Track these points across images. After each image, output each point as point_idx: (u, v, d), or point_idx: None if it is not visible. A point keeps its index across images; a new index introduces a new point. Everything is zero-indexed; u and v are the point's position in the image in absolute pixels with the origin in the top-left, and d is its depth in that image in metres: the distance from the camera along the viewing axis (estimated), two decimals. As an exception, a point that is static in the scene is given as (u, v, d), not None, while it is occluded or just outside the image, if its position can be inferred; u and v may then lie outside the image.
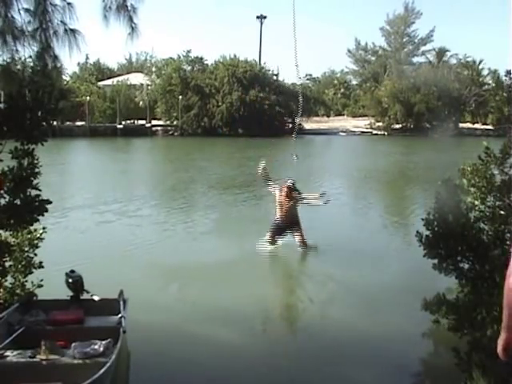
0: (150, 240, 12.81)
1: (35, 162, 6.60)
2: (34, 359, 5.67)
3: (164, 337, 7.39)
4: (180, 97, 49.36)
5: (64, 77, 42.38)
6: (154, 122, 51.20)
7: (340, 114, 70.08)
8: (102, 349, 5.87)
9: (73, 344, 5.90)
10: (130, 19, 5.72)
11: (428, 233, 6.25)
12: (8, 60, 5.60)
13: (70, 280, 7.08)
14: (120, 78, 56.19)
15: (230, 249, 11.81)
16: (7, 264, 7.04)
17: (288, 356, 7.21)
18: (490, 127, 50.76)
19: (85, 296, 7.15)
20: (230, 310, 8.20)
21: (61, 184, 22.06)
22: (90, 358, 5.77)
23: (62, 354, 5.81)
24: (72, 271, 7.20)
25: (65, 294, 7.16)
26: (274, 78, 54.53)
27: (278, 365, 6.93)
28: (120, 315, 6.66)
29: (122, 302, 7.04)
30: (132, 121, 51.52)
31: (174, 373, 6.65)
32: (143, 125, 50.73)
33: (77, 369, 5.58)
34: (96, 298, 7.12)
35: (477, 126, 55.98)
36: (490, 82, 57.20)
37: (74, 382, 5.15)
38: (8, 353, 5.78)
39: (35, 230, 7.37)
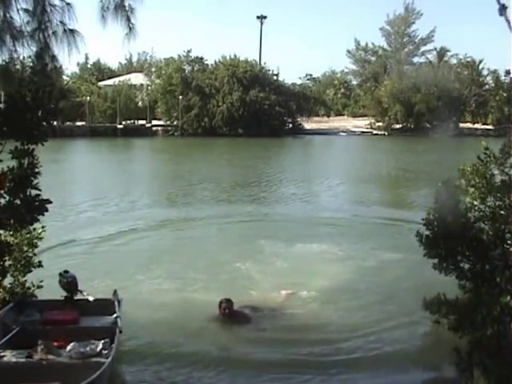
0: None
1: (35, 161, 6.59)
2: (32, 359, 5.65)
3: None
4: (180, 97, 49.33)
5: (64, 77, 42.45)
6: (154, 122, 51.19)
7: (340, 114, 70.03)
8: (98, 349, 5.85)
9: (70, 344, 5.89)
10: (128, 19, 5.70)
11: (428, 233, 6.24)
12: (7, 60, 5.59)
13: (64, 280, 7.04)
14: (121, 78, 56.20)
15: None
16: (7, 263, 7.03)
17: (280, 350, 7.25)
18: (490, 127, 50.69)
19: (79, 296, 7.12)
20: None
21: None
22: (88, 358, 5.75)
23: (58, 355, 5.79)
24: (66, 271, 7.14)
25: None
26: (274, 78, 54.52)
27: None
28: (115, 315, 6.64)
29: (116, 302, 7.01)
30: (132, 121, 51.50)
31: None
32: (143, 125, 50.71)
33: (75, 369, 5.57)
34: (90, 298, 7.09)
35: (477, 125, 55.92)
36: (491, 81, 57.14)
37: (72, 382, 5.14)
38: (4, 353, 5.76)
39: (34, 230, 7.36)
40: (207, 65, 54.03)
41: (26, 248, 7.33)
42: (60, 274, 7.09)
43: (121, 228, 14.31)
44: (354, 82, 73.90)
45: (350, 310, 8.64)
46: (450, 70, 58.07)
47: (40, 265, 7.41)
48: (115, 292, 7.27)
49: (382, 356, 7.16)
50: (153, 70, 56.58)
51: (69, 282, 7.03)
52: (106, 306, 6.89)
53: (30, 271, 7.39)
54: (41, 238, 7.46)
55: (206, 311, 8.19)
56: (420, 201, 17.91)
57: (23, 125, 6.43)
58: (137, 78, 57.11)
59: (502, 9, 2.45)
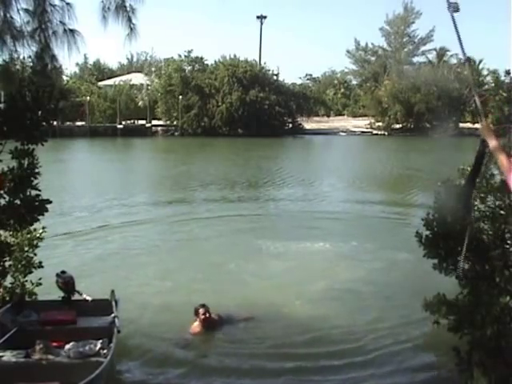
0: None
1: (35, 162, 6.59)
2: (30, 359, 5.66)
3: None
4: (180, 97, 49.35)
5: (64, 77, 42.44)
6: (154, 122, 51.21)
7: (340, 114, 70.09)
8: (97, 348, 5.86)
9: (68, 344, 5.89)
10: (129, 20, 5.70)
11: (428, 233, 6.24)
12: (7, 60, 5.59)
13: (61, 281, 7.03)
14: (122, 78, 56.20)
15: None
16: (7, 264, 7.03)
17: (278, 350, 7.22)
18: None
19: (76, 296, 7.11)
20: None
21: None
22: (86, 357, 5.76)
23: (57, 354, 5.79)
24: (63, 272, 7.11)
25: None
26: (274, 78, 54.54)
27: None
28: (113, 315, 6.64)
29: (113, 302, 7.01)
30: (132, 121, 51.52)
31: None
32: (143, 125, 50.73)
33: (73, 368, 5.57)
34: (88, 298, 7.08)
35: (477, 125, 55.80)
36: (491, 81, 57.13)
37: (70, 381, 5.14)
38: (2, 353, 5.76)
39: (35, 230, 7.35)
40: (207, 65, 54.06)
41: (26, 248, 7.32)
42: (57, 275, 7.06)
43: (122, 227, 14.35)
44: (354, 82, 74.10)
45: (349, 310, 8.64)
46: (450, 70, 58.09)
47: (40, 265, 7.40)
48: (112, 292, 7.25)
49: (381, 356, 7.16)
50: (153, 69, 56.58)
51: (66, 283, 7.01)
52: (103, 306, 6.89)
53: (31, 272, 7.38)
54: (41, 239, 7.45)
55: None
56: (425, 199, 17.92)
57: (23, 125, 6.43)
58: (137, 78, 57.11)
59: (467, 61, 2.50)
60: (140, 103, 52.84)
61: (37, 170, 6.57)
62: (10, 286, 7.24)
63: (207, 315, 7.75)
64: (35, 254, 7.42)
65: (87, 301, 7.04)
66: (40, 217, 6.69)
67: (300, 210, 17.03)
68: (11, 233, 7.03)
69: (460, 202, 5.36)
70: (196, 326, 7.76)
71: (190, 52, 52.78)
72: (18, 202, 6.47)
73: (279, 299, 8.98)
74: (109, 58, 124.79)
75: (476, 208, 6.27)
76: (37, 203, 6.54)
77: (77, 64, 66.48)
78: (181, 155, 35.50)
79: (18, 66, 6.23)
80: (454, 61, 61.77)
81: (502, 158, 2.67)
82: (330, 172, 27.25)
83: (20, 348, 5.81)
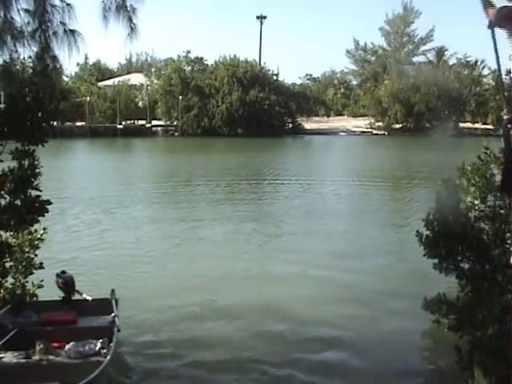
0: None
1: (35, 162, 6.58)
2: (30, 360, 5.65)
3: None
4: (180, 97, 49.36)
5: (64, 77, 42.41)
6: (154, 123, 51.21)
7: (340, 114, 69.99)
8: (97, 348, 5.86)
9: (68, 344, 5.89)
10: (130, 20, 5.71)
11: (428, 232, 6.24)
12: (7, 60, 5.59)
13: (61, 281, 7.02)
14: (121, 79, 56.20)
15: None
16: (8, 264, 7.03)
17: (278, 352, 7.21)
18: (490, 127, 50.64)
19: (77, 296, 7.10)
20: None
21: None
22: (86, 357, 5.75)
23: (57, 355, 5.79)
24: (63, 272, 7.10)
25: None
26: (274, 78, 54.55)
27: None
28: (113, 314, 6.64)
29: (113, 302, 7.01)
30: (132, 121, 51.52)
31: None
32: (143, 125, 50.73)
33: (73, 368, 5.56)
34: (88, 298, 7.07)
35: (477, 125, 55.87)
36: (491, 81, 57.03)
37: (70, 381, 5.13)
38: (2, 354, 5.75)
39: (35, 231, 7.35)
40: (207, 65, 54.07)
41: (27, 249, 7.31)
42: (57, 275, 7.06)
43: (122, 226, 14.35)
44: (354, 82, 73.93)
45: (349, 310, 8.63)
46: (450, 70, 58.06)
47: (41, 266, 7.40)
48: (113, 291, 7.25)
49: (381, 356, 7.16)
50: (153, 70, 56.57)
51: (66, 283, 7.01)
52: (103, 306, 6.88)
53: (32, 273, 7.37)
54: (42, 239, 7.44)
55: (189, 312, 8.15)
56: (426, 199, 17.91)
57: (24, 125, 6.42)
58: (137, 79, 57.13)
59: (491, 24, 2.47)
60: (140, 103, 52.86)
61: (37, 171, 6.57)
62: (10, 286, 7.24)
63: None
64: (36, 255, 7.41)
65: (87, 300, 7.04)
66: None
67: (301, 209, 17.04)
68: (12, 233, 7.03)
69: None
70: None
71: (188, 52, 52.88)
72: (18, 202, 6.47)
73: (277, 300, 8.96)
74: (109, 58, 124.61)
75: (476, 208, 6.28)
76: (37, 204, 6.54)
77: (77, 64, 66.49)
78: (181, 155, 35.53)
79: (18, 67, 6.23)
80: (453, 60, 61.85)
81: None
82: (331, 171, 27.27)
83: (20, 349, 5.81)
